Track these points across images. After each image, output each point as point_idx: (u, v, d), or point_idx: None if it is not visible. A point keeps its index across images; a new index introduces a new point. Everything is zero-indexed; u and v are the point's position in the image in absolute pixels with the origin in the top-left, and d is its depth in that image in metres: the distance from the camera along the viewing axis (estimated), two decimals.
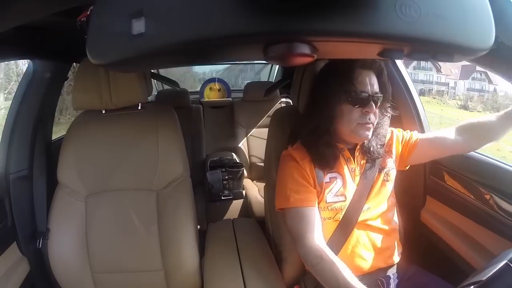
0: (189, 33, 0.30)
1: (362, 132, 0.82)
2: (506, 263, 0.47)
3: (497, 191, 0.84)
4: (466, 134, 0.85)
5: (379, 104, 0.83)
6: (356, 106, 0.81)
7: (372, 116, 0.81)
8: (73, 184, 0.99)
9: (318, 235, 0.80)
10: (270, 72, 3.12)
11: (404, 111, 1.16)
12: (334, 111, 0.83)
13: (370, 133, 0.83)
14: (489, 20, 0.35)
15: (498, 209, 0.83)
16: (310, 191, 0.84)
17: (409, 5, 0.31)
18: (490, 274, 0.47)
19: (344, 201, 0.84)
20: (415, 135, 0.92)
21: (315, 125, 0.85)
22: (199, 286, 0.97)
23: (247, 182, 2.04)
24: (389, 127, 0.92)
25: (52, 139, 1.26)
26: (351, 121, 0.81)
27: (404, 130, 1.14)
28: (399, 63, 1.19)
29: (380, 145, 0.88)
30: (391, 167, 0.90)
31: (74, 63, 1.25)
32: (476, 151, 0.99)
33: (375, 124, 0.84)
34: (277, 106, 2.25)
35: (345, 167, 0.87)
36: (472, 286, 0.47)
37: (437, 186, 1.02)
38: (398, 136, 0.94)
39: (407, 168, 0.95)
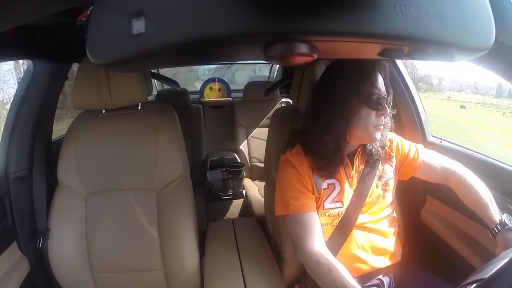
0: (189, 33, 0.30)
1: (376, 134, 0.81)
2: (510, 260, 0.47)
3: (497, 191, 0.84)
4: (455, 184, 0.87)
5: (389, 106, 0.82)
6: (374, 109, 0.79)
7: (384, 119, 0.82)
8: (73, 184, 0.99)
9: (317, 240, 0.79)
10: (270, 71, 3.13)
11: (404, 111, 1.16)
12: (353, 115, 0.80)
13: (380, 135, 0.83)
14: (489, 20, 0.35)
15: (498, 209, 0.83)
16: (309, 197, 0.83)
17: (409, 5, 0.31)
18: (493, 271, 0.46)
19: (341, 207, 0.84)
20: (421, 156, 0.91)
21: (330, 131, 0.82)
22: (199, 286, 0.97)
23: (247, 182, 2.04)
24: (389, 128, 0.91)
25: (52, 139, 1.26)
26: (368, 125, 0.80)
27: (405, 131, 1.13)
28: (399, 63, 1.19)
29: (381, 146, 0.88)
30: (391, 176, 0.90)
31: (74, 63, 1.25)
32: (477, 151, 0.99)
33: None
34: (277, 106, 2.25)
35: (343, 174, 0.86)
36: (475, 284, 0.47)
37: (437, 186, 1.02)
38: (399, 144, 0.93)
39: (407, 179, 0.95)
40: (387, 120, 0.86)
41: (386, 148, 0.90)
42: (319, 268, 0.76)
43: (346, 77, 0.81)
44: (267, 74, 3.17)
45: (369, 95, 0.79)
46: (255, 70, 3.35)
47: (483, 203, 0.79)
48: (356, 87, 0.79)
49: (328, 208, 0.84)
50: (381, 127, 0.81)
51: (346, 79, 0.81)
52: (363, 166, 0.88)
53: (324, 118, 0.83)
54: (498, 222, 0.74)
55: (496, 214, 0.76)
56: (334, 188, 0.85)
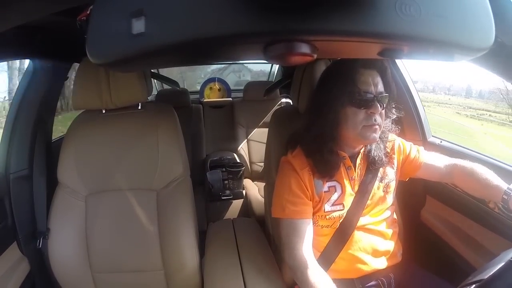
0: (189, 32, 0.30)
1: (369, 134, 0.79)
2: (509, 260, 0.47)
3: None
4: (458, 176, 0.86)
5: (385, 104, 0.80)
6: (361, 108, 0.78)
7: (378, 117, 0.78)
8: (73, 184, 0.99)
9: (307, 248, 0.79)
10: (270, 72, 3.14)
11: (404, 111, 1.16)
12: (338, 115, 0.80)
13: (377, 135, 0.80)
14: (489, 20, 0.35)
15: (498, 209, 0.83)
16: (306, 203, 0.83)
17: (409, 4, 0.31)
18: (492, 272, 0.46)
19: (342, 210, 0.84)
20: (422, 156, 0.91)
21: (318, 131, 0.82)
22: (199, 286, 0.97)
23: (247, 182, 2.04)
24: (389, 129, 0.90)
25: (52, 139, 1.26)
26: (356, 124, 0.78)
27: (405, 132, 1.13)
28: (399, 63, 1.19)
29: (385, 154, 0.87)
30: (392, 178, 0.89)
31: (74, 63, 1.25)
32: (477, 151, 0.99)
33: (381, 125, 0.81)
34: (277, 106, 2.25)
35: (345, 176, 0.85)
36: (474, 285, 0.47)
37: (437, 186, 1.02)
38: (400, 146, 0.92)
39: (407, 179, 0.95)
40: (387, 122, 0.85)
41: (387, 149, 0.90)
42: (305, 276, 0.76)
43: (332, 77, 0.83)
44: (249, 79, 3.59)
45: (351, 93, 0.78)
46: (240, 75, 3.94)
47: (492, 183, 0.77)
48: (339, 86, 0.79)
49: (328, 211, 0.83)
50: (376, 127, 0.79)
51: (332, 79, 0.82)
52: (365, 170, 0.87)
53: (314, 120, 0.84)
54: (506, 188, 0.73)
55: (505, 186, 0.75)
56: (335, 191, 0.84)
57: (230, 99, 2.49)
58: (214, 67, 3.63)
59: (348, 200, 0.84)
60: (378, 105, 0.78)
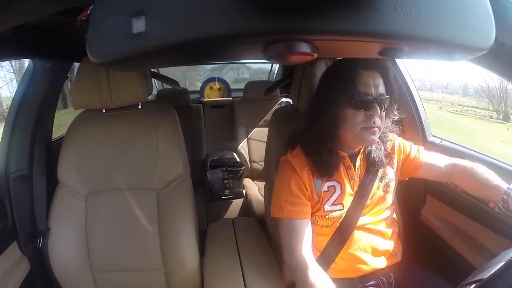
0: (189, 32, 0.30)
1: (367, 136, 0.78)
2: (509, 260, 0.47)
3: None
4: (458, 176, 0.86)
5: (385, 106, 0.79)
6: (360, 110, 0.77)
7: (377, 120, 0.77)
8: (73, 183, 0.99)
9: (306, 248, 0.79)
10: (270, 71, 3.14)
11: (404, 112, 1.16)
12: (338, 116, 0.79)
13: (376, 137, 0.79)
14: (489, 20, 0.35)
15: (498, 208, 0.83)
16: (305, 203, 0.83)
17: (410, 4, 0.31)
18: (492, 272, 0.46)
19: (341, 209, 0.83)
20: (422, 155, 0.90)
21: (318, 132, 0.82)
22: (199, 285, 0.97)
23: (247, 182, 2.04)
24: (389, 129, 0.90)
25: (52, 138, 1.26)
26: (355, 126, 0.78)
27: (405, 131, 1.13)
28: (399, 62, 1.19)
29: (385, 154, 0.87)
30: (392, 178, 0.89)
31: (74, 63, 1.25)
32: (477, 150, 0.99)
33: (381, 127, 0.80)
34: (277, 105, 2.25)
35: (345, 175, 0.85)
36: (474, 285, 0.47)
37: (437, 185, 1.02)
38: (400, 145, 0.92)
39: (407, 179, 0.95)
40: (387, 122, 0.84)
41: (387, 149, 0.89)
42: (305, 277, 0.76)
43: (332, 77, 0.82)
44: (247, 76, 3.64)
45: (350, 95, 0.77)
46: (239, 73, 4.03)
47: (492, 183, 0.77)
48: (339, 87, 0.78)
49: (328, 211, 0.83)
50: (375, 129, 0.78)
51: (332, 80, 0.82)
52: (365, 170, 0.86)
53: (314, 120, 0.84)
54: (506, 188, 0.73)
55: (505, 185, 0.75)
56: (335, 191, 0.84)
57: (230, 98, 2.49)
58: (213, 65, 3.65)
59: (348, 200, 0.84)
60: (378, 107, 0.77)
